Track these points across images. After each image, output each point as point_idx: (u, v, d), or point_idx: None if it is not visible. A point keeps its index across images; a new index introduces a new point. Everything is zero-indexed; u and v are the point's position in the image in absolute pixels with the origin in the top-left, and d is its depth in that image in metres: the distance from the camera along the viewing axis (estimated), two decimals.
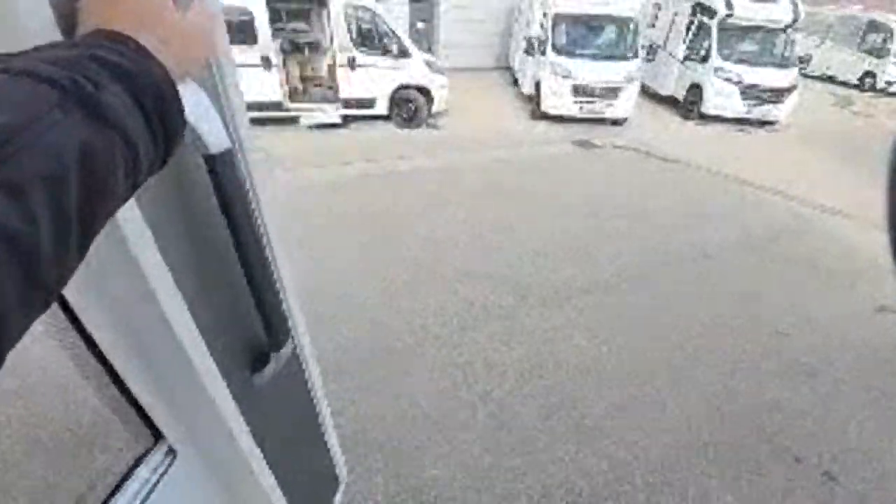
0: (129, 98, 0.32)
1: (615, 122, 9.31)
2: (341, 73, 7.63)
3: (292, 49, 8.15)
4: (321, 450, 1.09)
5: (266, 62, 7.09)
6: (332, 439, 1.11)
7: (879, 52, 14.06)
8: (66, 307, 0.47)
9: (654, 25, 11.77)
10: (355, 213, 5.11)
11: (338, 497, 1.19)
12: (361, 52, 7.58)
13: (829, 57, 15.40)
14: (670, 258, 4.58)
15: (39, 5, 0.35)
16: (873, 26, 14.42)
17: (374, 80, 7.85)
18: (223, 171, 0.52)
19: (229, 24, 5.42)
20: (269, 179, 5.93)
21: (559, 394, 2.92)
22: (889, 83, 13.80)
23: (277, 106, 7.57)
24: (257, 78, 7.13)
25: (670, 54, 10.88)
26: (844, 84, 14.96)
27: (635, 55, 9.24)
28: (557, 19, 8.93)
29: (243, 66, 6.92)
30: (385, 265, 4.16)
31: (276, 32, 7.31)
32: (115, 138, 0.30)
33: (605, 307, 3.79)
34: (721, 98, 9.64)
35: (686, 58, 10.44)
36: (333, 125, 8.07)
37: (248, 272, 0.59)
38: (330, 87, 8.10)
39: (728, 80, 9.52)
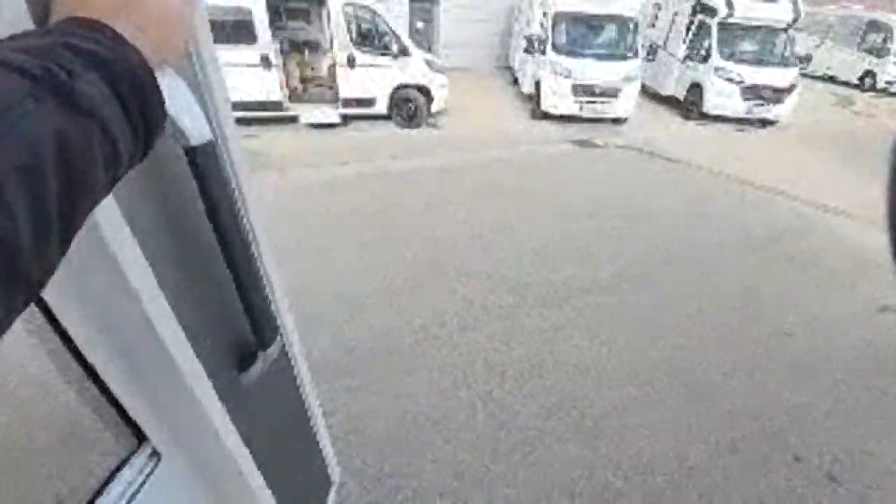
0: (105, 86, 0.31)
1: (615, 122, 9.30)
2: (341, 73, 7.62)
3: (292, 48, 8.14)
4: (312, 450, 1.08)
5: (265, 62, 7.08)
6: (324, 439, 1.09)
7: (879, 52, 14.06)
8: (43, 307, 0.46)
9: (654, 25, 11.77)
10: (354, 213, 5.10)
11: (331, 497, 1.17)
12: (361, 51, 7.57)
13: (830, 57, 15.39)
14: (671, 258, 4.56)
15: None
16: (873, 26, 14.41)
17: (374, 79, 7.84)
18: (205, 164, 0.50)
19: (228, 24, 5.39)
20: (269, 179, 5.93)
21: (559, 394, 2.90)
22: (889, 83, 13.79)
23: (277, 105, 7.56)
24: (257, 77, 7.12)
25: (671, 54, 10.88)
26: (846, 84, 14.95)
27: (635, 55, 9.23)
28: (557, 18, 8.92)
29: (243, 65, 6.93)
30: (385, 265, 4.15)
31: (275, 32, 7.30)
32: (91, 127, 0.29)
33: (606, 307, 3.77)
34: (721, 98, 9.63)
35: (686, 57, 10.43)
36: (333, 125, 8.06)
37: (233, 269, 0.57)
38: (329, 87, 8.09)
39: (728, 79, 9.51)
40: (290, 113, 7.75)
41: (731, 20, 9.58)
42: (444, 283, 3.94)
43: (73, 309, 0.48)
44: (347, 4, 7.36)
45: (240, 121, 6.37)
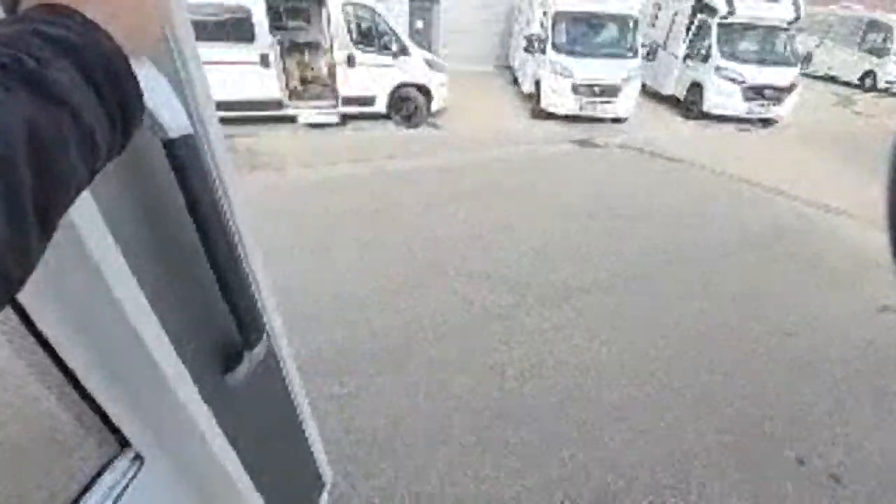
0: (77, 73, 0.30)
1: (615, 121, 9.28)
2: (340, 72, 7.60)
3: (291, 47, 8.12)
4: (303, 451, 1.06)
5: (264, 60, 7.06)
6: (315, 440, 1.08)
7: (880, 52, 14.04)
8: (18, 309, 0.44)
9: (654, 25, 11.75)
10: (353, 213, 5.08)
11: (323, 498, 1.15)
12: (361, 50, 7.55)
13: (830, 56, 15.38)
14: (671, 257, 4.54)
15: None
16: (873, 26, 14.40)
17: (374, 78, 7.82)
18: (184, 158, 0.48)
19: (227, 22, 5.37)
20: (268, 179, 5.91)
21: (559, 394, 2.88)
22: (890, 83, 13.77)
23: (276, 104, 7.54)
24: (256, 76, 7.10)
25: (671, 53, 10.86)
26: (846, 84, 14.94)
27: (635, 54, 9.22)
28: (557, 17, 8.90)
29: (242, 64, 6.91)
30: (384, 265, 4.13)
31: (275, 31, 7.28)
32: (62, 116, 0.28)
33: (606, 307, 3.75)
34: (722, 97, 9.61)
35: (687, 57, 10.41)
36: (332, 124, 8.04)
37: (215, 266, 0.56)
38: (328, 86, 8.07)
39: (729, 79, 9.49)
40: (289, 112, 7.73)
41: (731, 19, 9.56)
42: (444, 282, 3.92)
43: (50, 311, 0.46)
44: (347, 4, 7.34)
45: (239, 120, 6.36)
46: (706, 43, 9.86)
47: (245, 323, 0.63)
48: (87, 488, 0.54)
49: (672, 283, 4.12)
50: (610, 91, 8.82)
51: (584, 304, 3.75)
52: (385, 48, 7.69)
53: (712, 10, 9.71)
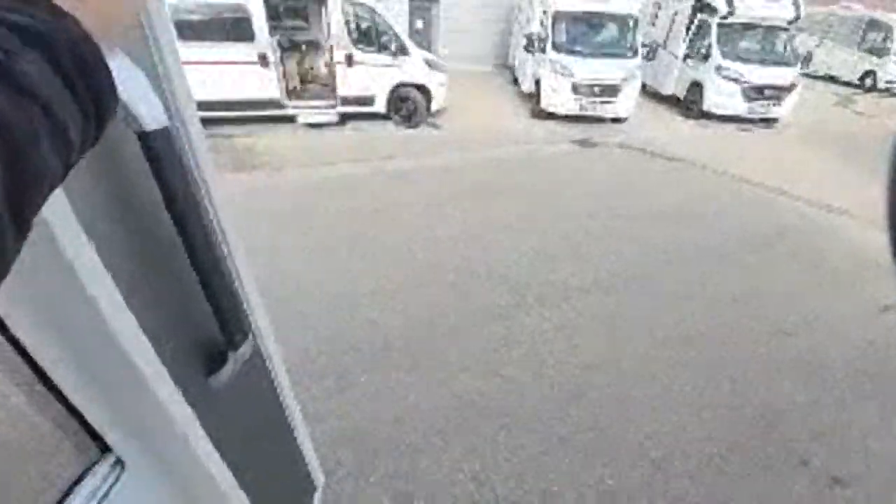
0: (46, 63, 0.28)
1: (615, 121, 9.26)
2: (339, 71, 7.58)
3: (290, 47, 8.10)
4: (292, 453, 1.04)
5: (263, 60, 7.04)
6: (306, 441, 1.06)
7: (880, 52, 14.03)
8: None
9: (654, 24, 11.73)
10: (353, 213, 5.06)
11: (315, 501, 1.14)
12: (360, 49, 7.53)
13: (830, 56, 15.36)
14: (671, 257, 4.53)
15: None
16: (873, 25, 14.38)
17: (373, 77, 7.80)
18: (160, 151, 0.47)
19: (226, 21, 5.36)
20: (267, 178, 5.89)
21: (558, 395, 2.87)
22: (890, 83, 13.75)
23: (275, 104, 7.52)
24: (255, 76, 7.08)
25: (671, 53, 10.84)
26: (847, 84, 14.92)
27: (635, 53, 9.21)
28: (557, 17, 8.89)
29: (240, 63, 6.89)
30: (384, 264, 4.12)
31: (273, 30, 7.26)
32: (33, 109, 0.27)
33: (606, 306, 3.74)
34: (722, 97, 9.60)
35: (687, 56, 10.40)
36: (331, 124, 8.02)
37: (195, 263, 0.54)
38: (328, 86, 8.05)
39: (729, 78, 9.47)
40: (288, 112, 7.71)
41: (731, 19, 9.55)
42: (444, 282, 3.91)
43: (22, 311, 0.44)
44: (347, 3, 7.32)
45: (238, 120, 6.32)
46: (706, 42, 9.85)
47: (228, 322, 0.61)
48: (65, 496, 0.52)
49: (672, 283, 4.10)
50: (610, 91, 8.80)
51: (584, 304, 3.74)
52: (384, 48, 7.67)
53: (712, 10, 9.70)
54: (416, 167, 6.59)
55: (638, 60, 9.18)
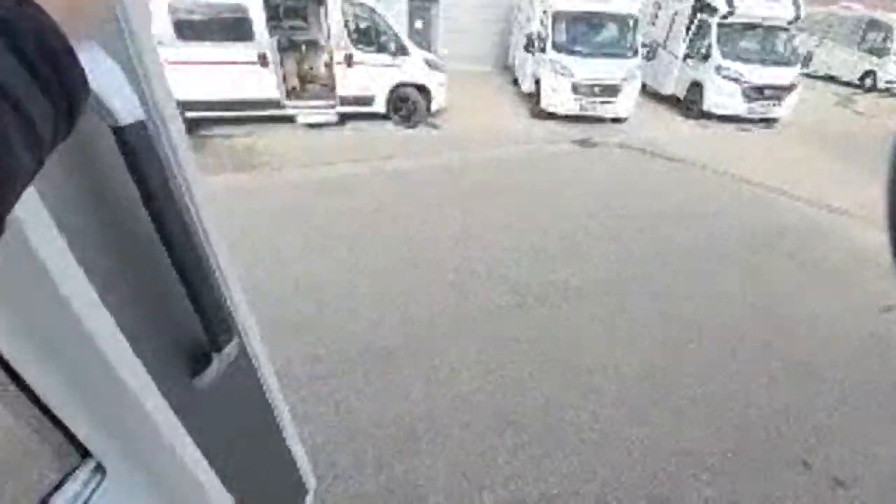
0: (11, 54, 0.27)
1: (615, 121, 9.25)
2: (339, 71, 7.57)
3: (290, 47, 8.09)
4: (282, 456, 1.02)
5: (263, 60, 7.02)
6: (296, 444, 1.04)
7: (880, 52, 14.01)
8: None
9: (654, 24, 11.72)
10: (352, 213, 5.05)
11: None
12: (359, 49, 7.52)
13: (830, 56, 15.35)
14: (671, 258, 4.51)
15: None
16: (873, 25, 14.37)
17: (373, 77, 7.78)
18: (136, 146, 0.45)
19: (225, 21, 5.34)
20: (266, 178, 5.88)
21: (559, 396, 2.85)
22: (890, 83, 13.74)
23: (275, 104, 7.50)
24: (254, 75, 7.07)
25: (671, 53, 10.83)
26: (847, 84, 14.91)
27: (635, 53, 9.19)
28: (557, 17, 8.88)
29: (239, 63, 6.87)
30: (383, 264, 4.10)
31: (273, 30, 7.25)
32: (0, 104, 0.25)
33: (606, 307, 3.72)
34: (722, 96, 9.59)
35: (687, 56, 10.39)
36: (331, 123, 8.01)
37: (175, 262, 0.52)
38: (327, 86, 8.04)
39: (729, 78, 9.46)
40: (288, 112, 7.70)
41: (731, 19, 9.54)
42: (444, 282, 3.89)
43: None
44: (346, 3, 7.31)
45: (237, 120, 6.30)
46: (706, 42, 9.83)
47: (212, 323, 0.60)
48: (44, 502, 0.50)
49: (672, 283, 4.09)
50: (610, 91, 8.79)
51: (585, 304, 3.72)
52: (384, 48, 7.66)
53: (712, 10, 9.68)
54: (416, 167, 6.58)
55: (638, 60, 9.17)
